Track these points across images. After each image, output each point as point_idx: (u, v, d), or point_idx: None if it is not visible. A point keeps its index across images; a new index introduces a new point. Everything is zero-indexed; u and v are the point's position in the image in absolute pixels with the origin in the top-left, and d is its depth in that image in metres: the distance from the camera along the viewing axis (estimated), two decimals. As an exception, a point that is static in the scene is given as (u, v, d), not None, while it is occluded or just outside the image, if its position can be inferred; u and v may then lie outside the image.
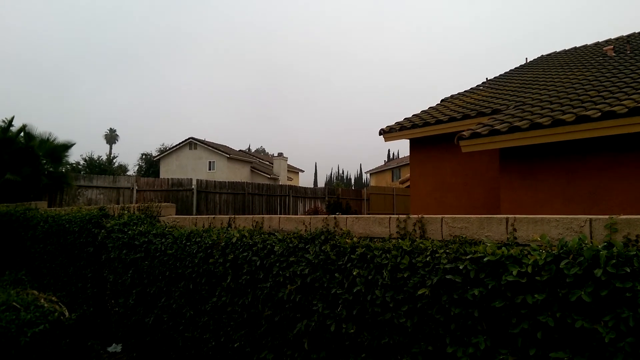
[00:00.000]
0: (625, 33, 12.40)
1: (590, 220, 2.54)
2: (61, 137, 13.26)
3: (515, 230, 2.82)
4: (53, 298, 6.36)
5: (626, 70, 8.03)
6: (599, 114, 5.72)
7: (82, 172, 30.06)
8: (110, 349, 6.15)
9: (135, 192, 16.55)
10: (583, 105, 6.39)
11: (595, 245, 2.31)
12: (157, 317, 5.20)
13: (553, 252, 2.40)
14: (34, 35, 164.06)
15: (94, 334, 6.20)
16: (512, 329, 2.43)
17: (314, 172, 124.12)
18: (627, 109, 5.51)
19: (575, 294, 2.23)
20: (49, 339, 5.61)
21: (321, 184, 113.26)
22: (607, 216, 2.48)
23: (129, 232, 5.74)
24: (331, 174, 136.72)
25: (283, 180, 41.37)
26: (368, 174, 65.17)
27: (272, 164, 46.83)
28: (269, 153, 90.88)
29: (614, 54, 10.07)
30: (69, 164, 15.67)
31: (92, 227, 6.52)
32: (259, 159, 54.13)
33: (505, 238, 2.86)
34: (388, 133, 10.20)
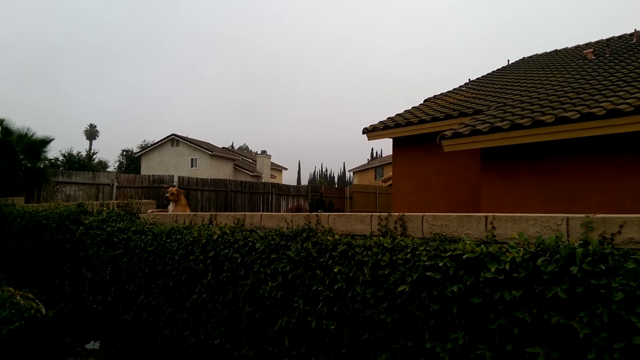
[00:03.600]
0: (605, 37, 12.63)
1: (567, 218, 2.58)
2: (40, 132, 12.99)
3: (494, 228, 2.86)
4: (30, 295, 6.26)
5: (605, 73, 8.19)
6: (578, 115, 5.82)
7: (61, 168, 29.57)
8: (88, 346, 6.06)
9: (115, 188, 16.33)
10: (563, 106, 6.50)
11: (571, 243, 2.35)
12: (136, 314, 5.14)
13: (530, 249, 2.44)
14: (13, 28, 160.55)
15: (72, 331, 6.12)
16: (490, 324, 2.46)
17: (297, 170, 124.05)
18: (605, 111, 5.62)
19: (551, 291, 2.26)
20: (25, 337, 5.52)
21: (305, 181, 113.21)
22: (583, 215, 2.52)
23: (108, 228, 5.66)
24: (315, 172, 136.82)
25: (266, 178, 41.23)
26: (351, 172, 65.36)
27: (255, 161, 46.64)
28: (253, 151, 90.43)
29: (593, 57, 10.26)
30: (48, 160, 15.35)
31: (70, 223, 6.42)
32: (242, 156, 53.87)
33: (484, 236, 2.89)
34: (372, 132, 10.24)
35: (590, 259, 2.21)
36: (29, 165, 13.07)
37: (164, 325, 4.82)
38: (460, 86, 12.24)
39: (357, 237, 3.49)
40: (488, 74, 13.14)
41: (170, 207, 6.91)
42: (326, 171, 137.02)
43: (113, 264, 5.48)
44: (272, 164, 48.60)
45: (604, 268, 2.17)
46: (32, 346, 5.59)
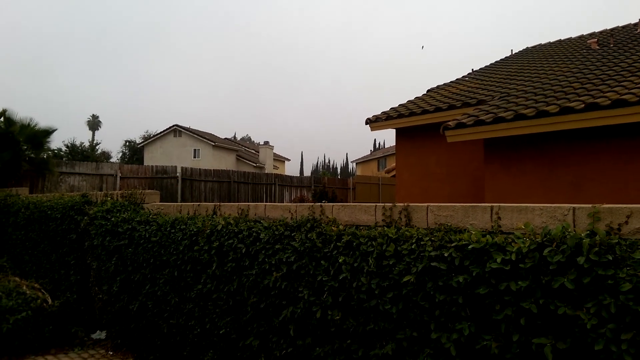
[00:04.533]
0: (609, 26, 12.52)
1: (574, 209, 2.57)
2: (43, 122, 12.99)
3: (499, 218, 2.85)
4: (35, 285, 6.30)
5: (609, 63, 8.12)
6: (582, 105, 5.79)
7: (64, 159, 29.58)
8: (94, 336, 6.11)
9: (118, 179, 16.35)
10: (567, 97, 6.46)
11: (578, 233, 2.34)
12: (142, 304, 5.17)
13: (537, 240, 2.43)
14: (13, 17, 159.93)
15: (78, 321, 6.16)
16: (496, 315, 2.46)
17: (300, 161, 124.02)
18: (609, 101, 5.59)
19: (558, 281, 2.26)
20: (32, 326, 5.57)
21: (307, 172, 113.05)
22: (590, 205, 2.52)
23: (112, 219, 5.68)
24: (317, 163, 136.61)
25: (269, 169, 41.24)
26: (354, 164, 65.30)
27: (258, 152, 46.62)
28: (255, 141, 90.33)
29: (597, 47, 10.17)
30: (51, 150, 15.38)
31: (75, 213, 6.44)
32: (245, 147, 53.82)
33: (489, 226, 2.89)
34: (374, 122, 10.21)
35: (597, 249, 2.21)
36: (32, 155, 13.08)
37: (169, 315, 4.84)
38: (463, 76, 12.17)
39: (361, 227, 3.50)
40: (491, 64, 13.05)
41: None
42: (329, 162, 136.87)
43: (118, 254, 5.50)
44: (275, 155, 48.57)
45: (611, 258, 2.17)
46: (39, 336, 5.64)
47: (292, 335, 3.61)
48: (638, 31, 10.65)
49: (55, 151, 31.04)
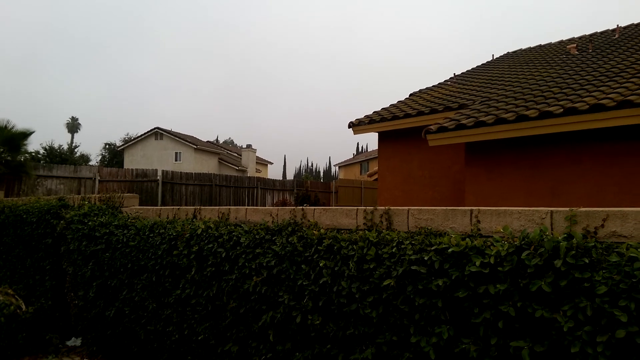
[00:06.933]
0: (588, 32, 12.77)
1: (552, 212, 2.59)
2: (20, 124, 12.81)
3: (479, 222, 2.86)
4: (9, 291, 6.14)
5: (588, 68, 8.27)
6: (561, 110, 5.87)
7: (41, 162, 29.02)
8: (69, 343, 5.98)
9: (97, 182, 16.09)
10: (546, 101, 6.54)
11: (555, 236, 2.35)
12: (119, 310, 5.07)
13: (515, 243, 2.44)
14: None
15: (53, 328, 6.02)
16: (475, 318, 2.46)
17: (283, 164, 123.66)
18: (588, 106, 5.67)
19: (535, 284, 2.27)
20: (5, 333, 5.43)
21: (290, 176, 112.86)
22: (567, 208, 2.53)
23: (90, 223, 5.57)
24: (300, 166, 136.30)
25: (251, 172, 41.01)
26: (337, 167, 65.40)
27: (241, 155, 46.33)
28: (238, 145, 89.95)
29: (577, 52, 10.36)
30: (28, 153, 15.04)
31: (51, 217, 6.30)
32: (227, 150, 53.47)
33: (469, 229, 2.89)
34: (357, 126, 10.23)
35: (574, 252, 2.22)
36: (8, 158, 12.82)
37: (146, 321, 4.75)
38: (445, 80, 12.28)
39: (342, 231, 3.48)
40: (473, 68, 13.20)
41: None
42: (312, 166, 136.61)
43: (95, 259, 5.39)
44: (258, 158, 48.34)
45: (587, 262, 2.19)
46: (12, 343, 5.49)
47: (271, 341, 3.57)
48: (616, 37, 10.87)
49: (33, 154, 30.38)
